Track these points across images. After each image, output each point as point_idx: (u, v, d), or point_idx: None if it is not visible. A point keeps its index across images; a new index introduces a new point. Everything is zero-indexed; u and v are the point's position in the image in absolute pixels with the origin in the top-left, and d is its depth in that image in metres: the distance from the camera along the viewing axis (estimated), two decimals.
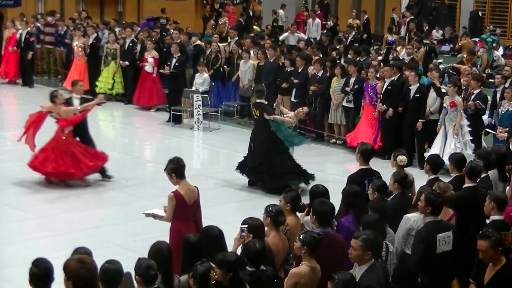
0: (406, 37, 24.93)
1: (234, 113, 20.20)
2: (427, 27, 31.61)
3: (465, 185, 9.17)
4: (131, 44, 21.50)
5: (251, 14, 32.60)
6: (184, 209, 9.02)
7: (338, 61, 18.74)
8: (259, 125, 14.09)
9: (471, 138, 15.05)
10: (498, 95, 15.38)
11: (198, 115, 18.71)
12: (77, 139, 14.17)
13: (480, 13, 34.36)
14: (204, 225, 8.43)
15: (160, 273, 6.59)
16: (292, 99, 18.02)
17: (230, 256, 6.72)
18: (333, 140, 17.81)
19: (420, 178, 10.43)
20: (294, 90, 17.99)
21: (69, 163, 13.76)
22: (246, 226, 7.44)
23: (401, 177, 9.17)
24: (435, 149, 15.03)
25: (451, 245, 7.99)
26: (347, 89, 17.04)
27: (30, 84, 23.53)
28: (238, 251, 7.34)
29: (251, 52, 20.00)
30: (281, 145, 13.97)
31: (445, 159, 12.37)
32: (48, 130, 14.08)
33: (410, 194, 9.42)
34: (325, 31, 28.11)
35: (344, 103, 17.27)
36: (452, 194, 8.64)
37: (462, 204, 8.86)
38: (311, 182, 13.70)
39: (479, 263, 7.63)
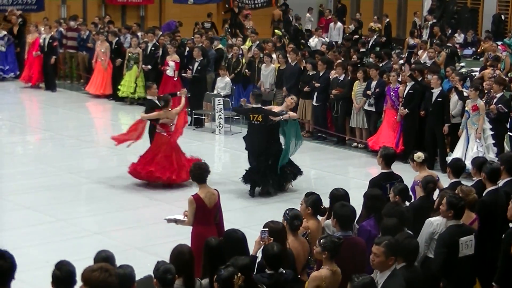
0: (428, 41, 24.83)
1: None
2: (449, 31, 31.48)
3: (487, 189, 9.09)
4: (153, 48, 21.57)
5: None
6: (205, 213, 9.02)
7: (358, 65, 18.72)
8: (257, 130, 13.90)
9: (494, 141, 14.96)
10: None
11: (220, 118, 18.73)
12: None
13: (503, 17, 34.16)
14: (225, 228, 8.43)
15: (181, 277, 6.60)
16: (314, 103, 18.04)
17: (242, 260, 6.72)
18: (355, 144, 17.77)
19: (442, 182, 10.37)
20: (316, 94, 17.98)
21: (174, 167, 14.01)
22: (267, 229, 7.43)
23: (426, 181, 9.12)
24: (457, 153, 14.96)
25: (474, 249, 7.93)
26: (369, 92, 17.01)
27: (53, 88, 23.65)
28: (259, 254, 7.33)
29: (273, 56, 20.00)
30: (277, 148, 13.96)
31: (468, 163, 12.32)
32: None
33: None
34: (347, 34, 28.09)
35: (366, 107, 17.24)
36: (474, 198, 8.57)
37: (486, 208, 8.79)
38: (299, 176, 14.00)
39: (502, 267, 7.57)
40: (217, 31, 30.08)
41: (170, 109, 14.19)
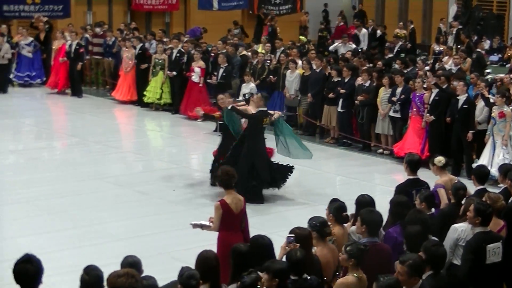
0: (454, 47, 24.72)
1: None
2: (475, 37, 31.32)
3: None
4: (178, 55, 21.63)
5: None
6: (231, 218, 9.04)
7: (384, 71, 18.69)
8: (260, 133, 14.08)
9: None
10: None
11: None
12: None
13: None
14: (251, 234, 8.43)
15: (207, 283, 6.61)
16: (339, 109, 18.03)
17: (279, 263, 6.73)
18: (380, 150, 17.72)
19: (469, 189, 10.32)
20: (341, 100, 17.96)
21: None
22: (293, 235, 7.43)
23: (456, 187, 9.09)
24: (483, 159, 14.89)
25: (501, 256, 7.89)
26: (394, 99, 16.97)
27: (79, 94, 23.78)
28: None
29: (299, 62, 20.01)
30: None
31: (494, 170, 12.27)
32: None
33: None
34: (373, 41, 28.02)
35: (391, 113, 17.19)
36: (502, 205, 8.53)
37: None
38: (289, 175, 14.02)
39: None
40: (247, 35, 30.14)
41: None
